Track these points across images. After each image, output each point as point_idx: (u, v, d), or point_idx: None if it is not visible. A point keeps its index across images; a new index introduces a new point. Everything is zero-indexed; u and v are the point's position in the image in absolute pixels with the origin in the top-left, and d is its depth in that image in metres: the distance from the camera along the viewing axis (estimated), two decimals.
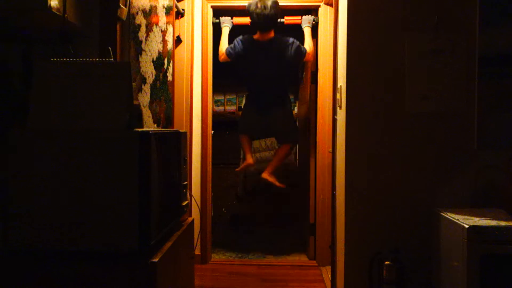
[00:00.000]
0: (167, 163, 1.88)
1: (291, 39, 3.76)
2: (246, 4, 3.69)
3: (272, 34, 3.77)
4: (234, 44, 3.82)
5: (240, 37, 3.83)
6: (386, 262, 2.22)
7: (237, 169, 4.05)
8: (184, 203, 2.16)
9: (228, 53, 3.82)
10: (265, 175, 3.81)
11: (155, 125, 2.67)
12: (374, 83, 2.39)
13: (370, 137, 2.39)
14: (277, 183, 3.79)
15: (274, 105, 3.92)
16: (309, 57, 3.78)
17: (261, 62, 3.80)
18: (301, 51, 3.74)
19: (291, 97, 4.55)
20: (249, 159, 3.88)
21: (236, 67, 3.95)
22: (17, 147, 1.60)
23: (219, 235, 4.65)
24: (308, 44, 3.78)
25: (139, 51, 2.37)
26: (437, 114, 2.37)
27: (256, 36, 3.79)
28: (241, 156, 4.43)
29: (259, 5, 3.59)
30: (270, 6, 3.58)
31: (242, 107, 4.40)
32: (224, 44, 3.86)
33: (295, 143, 4.19)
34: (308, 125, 3.96)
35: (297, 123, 4.44)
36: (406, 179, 2.38)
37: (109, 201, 1.58)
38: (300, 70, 4.36)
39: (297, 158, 4.92)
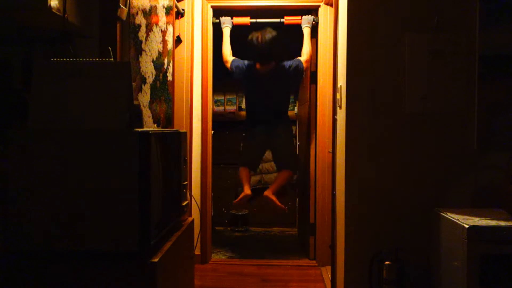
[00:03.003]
0: (167, 163, 1.88)
1: (288, 63, 3.78)
2: (246, 4, 3.70)
3: (272, 65, 3.81)
4: (242, 66, 3.84)
5: (247, 62, 3.85)
6: (386, 262, 2.22)
7: (234, 201, 3.92)
8: (184, 203, 2.16)
9: (232, 69, 3.86)
10: (267, 193, 3.76)
11: (155, 125, 2.67)
12: (374, 83, 2.39)
13: (370, 137, 2.39)
14: (278, 203, 3.73)
15: (273, 124, 3.91)
16: (307, 64, 3.81)
17: (261, 93, 3.85)
18: (299, 69, 3.78)
19: (291, 97, 4.55)
20: (247, 190, 3.81)
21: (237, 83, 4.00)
22: (17, 147, 1.60)
23: (219, 235, 4.65)
24: (305, 48, 3.79)
25: (139, 51, 2.37)
26: (437, 114, 2.37)
27: (257, 66, 3.84)
28: (238, 191, 4.38)
29: (259, 39, 3.67)
30: (269, 41, 3.66)
31: (242, 139, 4.30)
32: (227, 46, 3.86)
33: (295, 170, 4.11)
34: (308, 125, 3.96)
35: (296, 148, 4.40)
36: (406, 179, 2.38)
37: (109, 201, 1.58)
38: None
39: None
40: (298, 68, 3.77)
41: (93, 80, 1.68)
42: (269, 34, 3.69)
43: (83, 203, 1.59)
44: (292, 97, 4.66)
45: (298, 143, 4.67)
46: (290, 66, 3.77)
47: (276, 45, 3.69)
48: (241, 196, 3.80)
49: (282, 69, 3.79)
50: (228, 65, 3.88)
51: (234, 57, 3.89)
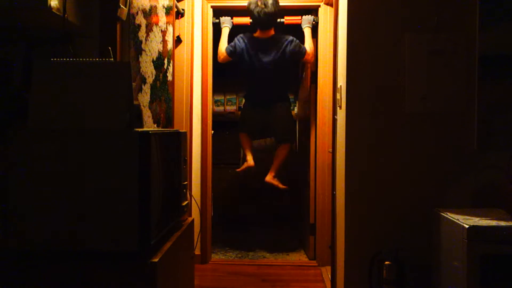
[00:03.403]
0: (167, 163, 1.88)
1: (290, 37, 3.78)
2: (246, 4, 3.70)
3: (272, 32, 3.80)
4: (235, 42, 3.84)
5: (241, 34, 3.85)
6: (386, 262, 2.22)
7: (238, 170, 4.03)
8: (184, 203, 2.16)
9: (229, 52, 3.83)
10: (268, 178, 3.80)
11: (155, 125, 2.67)
12: (374, 83, 2.39)
13: (370, 137, 2.39)
14: (280, 185, 3.81)
15: (273, 103, 3.93)
16: (309, 57, 3.79)
17: (261, 59, 3.80)
18: (300, 49, 3.75)
19: (291, 97, 4.55)
20: (250, 161, 3.87)
21: (237, 64, 3.95)
22: (17, 147, 1.60)
23: (219, 235, 4.65)
24: (308, 45, 3.78)
25: (139, 51, 2.37)
26: (437, 114, 2.37)
27: (256, 34, 3.82)
28: (241, 156, 4.41)
29: (259, 3, 3.62)
30: (271, 4, 3.61)
31: (241, 106, 4.41)
32: (223, 44, 3.87)
33: (293, 143, 4.19)
34: (308, 125, 3.96)
35: (296, 123, 4.43)
36: (406, 179, 2.38)
37: (109, 201, 1.58)
38: (300, 70, 4.36)
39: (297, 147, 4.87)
40: (300, 46, 3.75)
41: (93, 80, 1.68)
42: (270, 1, 3.63)
43: (83, 203, 1.59)
44: (292, 97, 4.66)
45: (298, 143, 4.68)
46: (292, 40, 3.75)
47: (276, 8, 3.65)
48: (244, 166, 3.90)
49: (283, 40, 3.76)
50: (224, 56, 3.85)
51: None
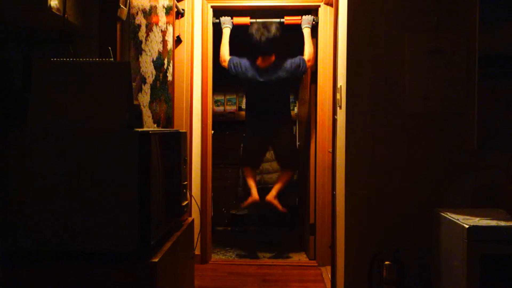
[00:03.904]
0: (167, 163, 1.88)
1: (289, 61, 3.77)
2: (246, 4, 3.70)
3: (273, 58, 3.80)
4: (239, 64, 3.82)
5: (245, 60, 3.83)
6: (386, 262, 2.22)
7: (242, 205, 3.93)
8: (184, 203, 2.16)
9: (229, 67, 3.84)
10: (269, 198, 3.76)
11: (155, 125, 2.67)
12: (374, 83, 2.39)
13: (370, 137, 2.39)
14: (280, 207, 3.76)
15: (274, 126, 3.91)
16: (309, 64, 3.79)
17: (262, 89, 3.82)
18: (301, 69, 3.76)
19: (291, 97, 4.55)
20: (255, 195, 3.80)
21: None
22: (17, 147, 1.60)
23: (219, 235, 4.65)
24: (307, 48, 3.78)
25: (139, 51, 2.37)
26: (437, 114, 2.37)
27: (258, 62, 3.82)
28: (240, 186, 4.36)
29: (261, 28, 3.69)
30: (273, 29, 3.67)
31: (243, 138, 4.26)
32: (225, 46, 3.86)
33: (296, 169, 4.13)
34: (308, 125, 3.96)
35: (298, 151, 4.36)
36: (406, 179, 2.38)
37: (109, 201, 1.58)
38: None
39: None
40: (300, 67, 3.76)
41: (93, 80, 1.68)
42: (272, 26, 3.69)
43: (83, 203, 1.59)
44: (291, 96, 4.66)
45: (298, 143, 4.67)
46: (292, 64, 3.75)
47: (279, 33, 3.69)
48: (249, 201, 3.82)
49: (283, 65, 3.77)
50: (226, 64, 3.87)
51: (231, 56, 3.88)
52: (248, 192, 4.02)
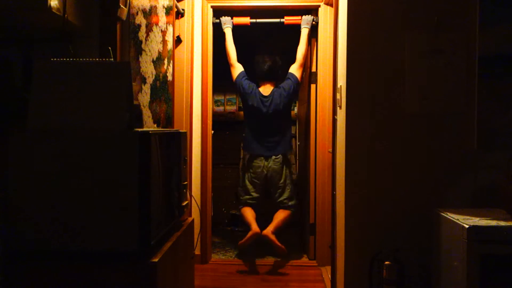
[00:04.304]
0: (167, 163, 1.88)
1: (281, 86, 3.83)
2: (246, 4, 3.71)
3: (273, 86, 3.87)
4: (247, 85, 3.84)
5: (253, 86, 3.86)
6: (386, 262, 2.22)
7: (240, 242, 3.64)
8: (184, 203, 2.16)
9: (239, 85, 3.86)
10: (266, 232, 3.61)
11: (155, 125, 2.67)
12: (374, 83, 2.39)
13: (370, 137, 2.39)
14: (278, 243, 3.58)
15: (273, 167, 3.84)
16: (301, 70, 3.84)
17: (262, 119, 3.84)
18: (295, 88, 3.83)
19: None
20: (255, 228, 3.63)
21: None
22: (17, 146, 1.60)
23: (219, 235, 4.65)
24: (300, 48, 3.79)
25: (139, 51, 2.37)
26: (437, 114, 2.37)
27: (260, 89, 3.86)
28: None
29: (267, 59, 3.87)
30: (278, 60, 3.90)
31: (240, 169, 4.10)
32: (231, 48, 3.85)
33: (293, 211, 3.93)
34: (308, 125, 3.96)
35: (295, 187, 4.13)
36: (406, 179, 2.38)
37: (109, 201, 1.58)
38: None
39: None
40: (293, 86, 3.82)
41: (93, 80, 1.68)
42: (279, 60, 3.92)
43: (83, 203, 1.59)
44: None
45: (298, 143, 4.67)
46: (283, 86, 3.82)
47: (281, 62, 3.92)
48: (249, 235, 3.60)
49: (280, 90, 3.81)
50: (234, 75, 3.88)
51: (241, 69, 3.88)
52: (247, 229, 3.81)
